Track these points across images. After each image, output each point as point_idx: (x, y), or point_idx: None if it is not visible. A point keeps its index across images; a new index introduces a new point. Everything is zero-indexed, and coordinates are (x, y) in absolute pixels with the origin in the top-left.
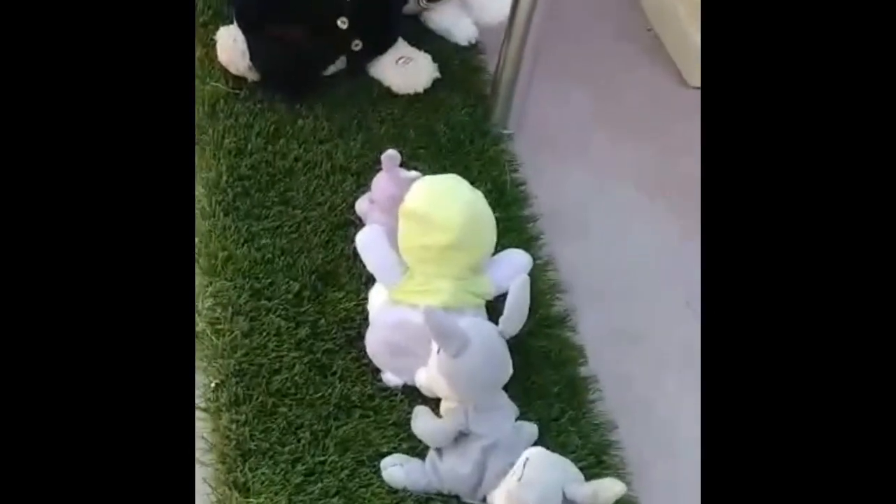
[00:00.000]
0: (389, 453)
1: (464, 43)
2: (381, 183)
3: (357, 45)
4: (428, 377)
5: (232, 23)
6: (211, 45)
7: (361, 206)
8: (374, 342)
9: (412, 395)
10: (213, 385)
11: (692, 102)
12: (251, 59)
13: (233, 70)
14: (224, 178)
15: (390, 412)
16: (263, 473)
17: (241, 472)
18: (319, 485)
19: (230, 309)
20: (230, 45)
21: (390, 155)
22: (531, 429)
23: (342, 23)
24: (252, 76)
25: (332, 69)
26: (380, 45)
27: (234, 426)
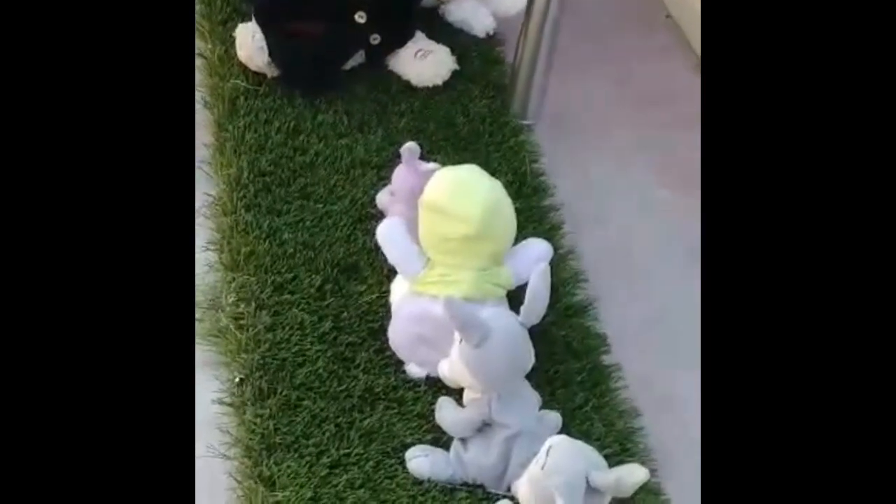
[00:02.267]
0: (414, 444)
1: (482, 35)
2: (401, 175)
3: (375, 38)
4: (451, 368)
5: (250, 20)
6: (230, 42)
7: (382, 198)
8: (397, 334)
9: (436, 386)
10: (237, 380)
11: None
12: (270, 55)
13: (252, 67)
14: (245, 174)
15: (414, 403)
16: (289, 466)
17: (266, 465)
18: (345, 477)
19: (253, 304)
20: (249, 42)
21: (409, 147)
22: (555, 417)
23: (360, 17)
24: (271, 72)
25: (350, 63)
26: (398, 39)
27: (258, 420)
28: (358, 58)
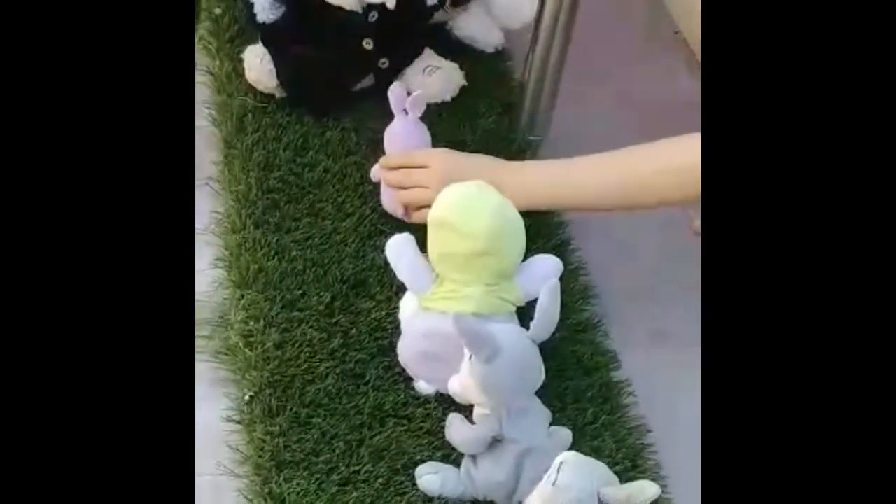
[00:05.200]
0: (424, 461)
1: (490, 50)
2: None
3: (384, 63)
4: (460, 384)
5: (258, 41)
6: (238, 59)
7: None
8: (406, 350)
9: (445, 402)
10: (246, 397)
11: None
12: (278, 77)
13: (261, 88)
14: (253, 191)
15: (424, 420)
16: (298, 484)
17: (276, 483)
18: (355, 494)
19: (262, 321)
20: (257, 65)
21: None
22: (565, 434)
23: (367, 44)
24: (280, 94)
25: (359, 86)
26: (407, 61)
27: (268, 437)
28: (367, 81)
